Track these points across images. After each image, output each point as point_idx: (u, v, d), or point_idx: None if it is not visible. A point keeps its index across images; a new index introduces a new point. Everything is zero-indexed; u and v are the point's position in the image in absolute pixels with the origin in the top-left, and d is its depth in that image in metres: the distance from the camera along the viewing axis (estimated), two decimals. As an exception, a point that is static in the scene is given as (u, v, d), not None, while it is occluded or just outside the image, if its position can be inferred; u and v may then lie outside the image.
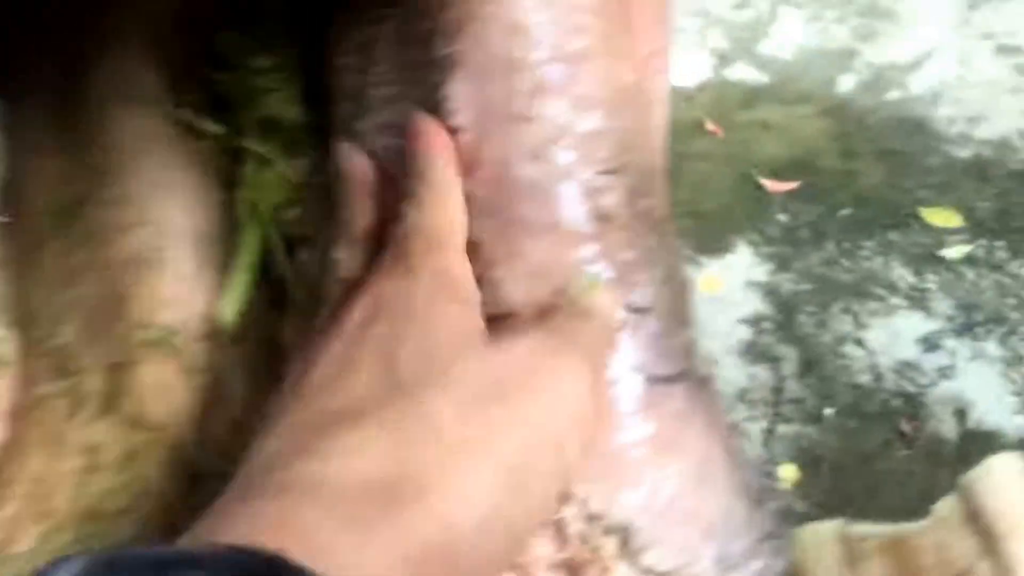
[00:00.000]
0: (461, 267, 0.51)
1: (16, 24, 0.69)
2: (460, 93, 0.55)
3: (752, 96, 2.24)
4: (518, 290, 0.56)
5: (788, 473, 1.79)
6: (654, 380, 0.56)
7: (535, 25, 0.54)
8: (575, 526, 0.56)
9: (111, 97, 0.65)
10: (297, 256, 0.64)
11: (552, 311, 0.51)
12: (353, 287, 0.50)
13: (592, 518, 0.55)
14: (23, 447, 0.57)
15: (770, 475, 1.78)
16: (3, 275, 0.64)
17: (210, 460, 0.59)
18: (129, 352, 0.59)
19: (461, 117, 0.55)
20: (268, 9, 0.69)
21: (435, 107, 0.58)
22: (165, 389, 0.59)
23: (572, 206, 0.55)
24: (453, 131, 0.56)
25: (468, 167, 0.56)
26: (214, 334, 0.61)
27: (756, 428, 1.85)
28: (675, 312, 0.58)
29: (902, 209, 2.09)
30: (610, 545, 0.56)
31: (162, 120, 0.65)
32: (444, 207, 0.52)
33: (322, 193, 0.67)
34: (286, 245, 0.65)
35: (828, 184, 2.13)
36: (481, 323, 0.48)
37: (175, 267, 0.62)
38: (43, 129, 0.66)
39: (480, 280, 0.56)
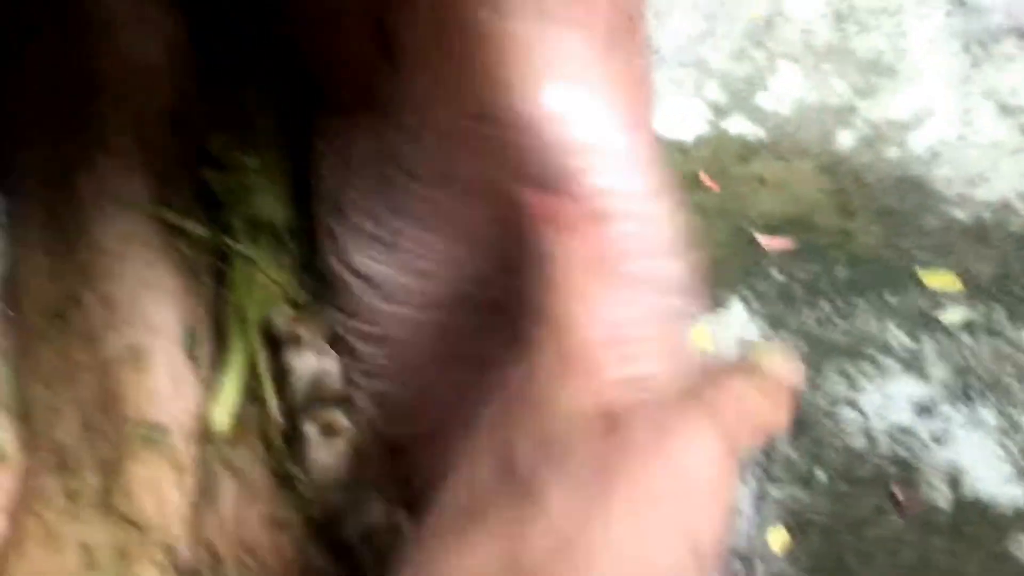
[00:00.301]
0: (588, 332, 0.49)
1: (10, 120, 0.72)
2: (527, 206, 0.58)
3: (749, 150, 2.27)
4: None
5: (778, 537, 1.80)
6: None
7: (588, 137, 0.57)
8: None
9: (99, 197, 0.68)
10: (284, 356, 0.67)
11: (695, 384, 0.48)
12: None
13: None
14: (23, 542, 0.60)
15: (759, 538, 1.79)
16: (4, 367, 0.67)
17: (201, 560, 0.61)
18: (121, 449, 0.62)
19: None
20: (258, 111, 0.73)
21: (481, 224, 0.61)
22: (156, 487, 0.61)
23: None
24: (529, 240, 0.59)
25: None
26: (205, 434, 0.64)
27: (746, 490, 1.86)
28: None
29: (899, 270, 2.12)
30: None
31: (148, 220, 0.69)
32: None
33: (310, 292, 0.71)
34: (274, 344, 0.68)
35: (824, 242, 2.15)
36: (605, 395, 0.46)
37: (164, 365, 0.65)
38: (37, 226, 0.70)
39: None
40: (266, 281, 0.68)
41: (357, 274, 0.68)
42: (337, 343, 0.68)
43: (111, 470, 0.62)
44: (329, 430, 0.64)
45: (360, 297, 0.67)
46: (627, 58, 0.65)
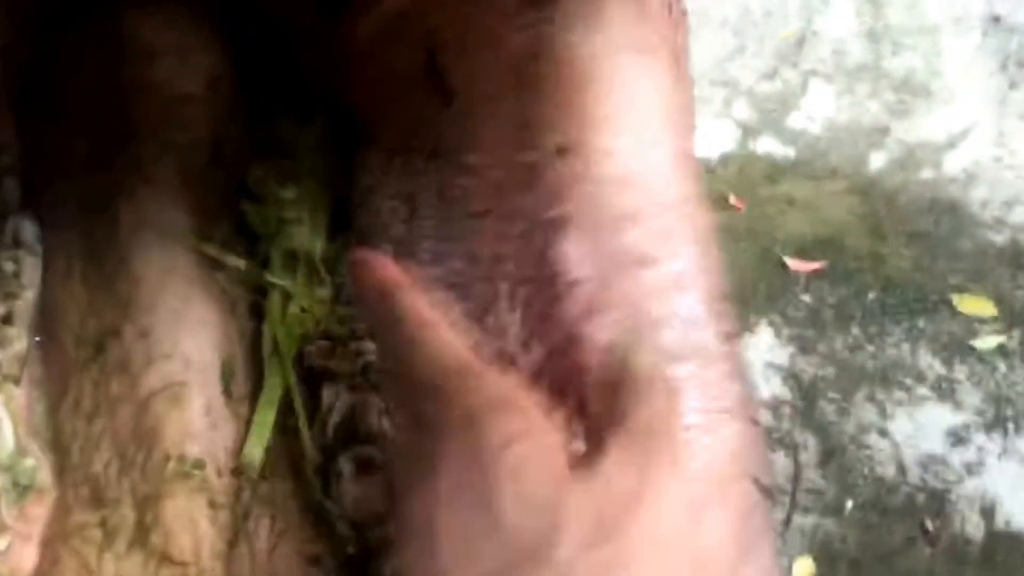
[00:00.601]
0: (524, 399, 0.50)
1: (52, 150, 0.74)
2: (576, 249, 0.58)
3: (778, 171, 2.28)
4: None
5: (804, 567, 1.81)
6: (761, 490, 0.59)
7: (645, 177, 0.58)
8: None
9: (139, 228, 0.70)
10: (320, 391, 0.68)
11: (621, 413, 0.50)
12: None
13: None
14: (59, 574, 0.61)
15: (785, 568, 1.80)
16: (39, 397, 0.68)
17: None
18: (158, 485, 0.63)
19: (582, 271, 0.58)
20: (296, 144, 0.74)
21: (535, 263, 0.61)
22: (191, 523, 0.63)
23: (709, 332, 0.58)
24: (573, 284, 0.59)
25: (589, 312, 0.59)
26: (240, 469, 0.65)
27: (773, 518, 1.86)
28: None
29: (932, 295, 2.12)
30: None
31: (187, 252, 0.70)
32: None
33: (346, 323, 0.72)
34: (309, 378, 0.69)
35: (855, 265, 2.16)
36: (562, 452, 0.48)
37: (200, 401, 0.66)
38: (75, 257, 0.71)
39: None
40: (302, 315, 0.69)
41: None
42: (372, 378, 0.69)
43: (147, 505, 0.63)
44: (364, 465, 0.65)
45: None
46: (686, 82, 0.66)
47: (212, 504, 0.63)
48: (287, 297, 0.70)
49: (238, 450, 0.66)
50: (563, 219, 0.59)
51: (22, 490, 0.64)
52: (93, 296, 0.69)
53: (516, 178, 0.61)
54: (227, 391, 0.67)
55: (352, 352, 0.70)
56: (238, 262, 0.70)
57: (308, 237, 0.71)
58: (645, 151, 0.59)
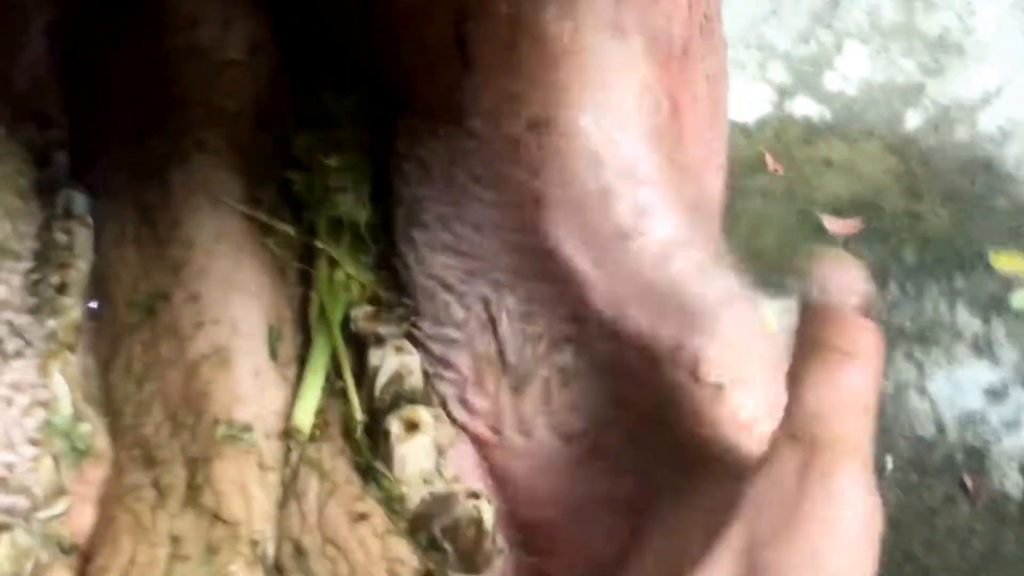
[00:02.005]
0: None
1: (100, 121, 0.74)
2: (560, 227, 0.60)
3: (814, 132, 2.25)
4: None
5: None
6: None
7: (617, 155, 0.58)
8: None
9: (192, 193, 0.70)
10: (368, 355, 0.68)
11: None
12: None
13: None
14: (115, 533, 0.62)
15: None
16: (92, 362, 0.69)
17: (287, 555, 0.63)
18: (208, 448, 0.64)
19: (568, 248, 0.60)
20: (341, 113, 0.74)
21: (520, 230, 0.62)
22: (242, 485, 0.63)
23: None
24: (564, 260, 0.60)
25: (588, 285, 0.59)
26: (288, 432, 0.65)
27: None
28: None
29: (969, 253, 2.10)
30: None
31: (237, 218, 0.70)
32: None
33: (389, 289, 0.72)
34: (355, 342, 0.69)
35: (892, 225, 2.13)
36: None
37: (248, 364, 0.66)
38: (127, 221, 0.72)
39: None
40: (347, 280, 0.69)
41: (433, 277, 0.69)
42: (416, 340, 0.69)
43: (197, 467, 0.63)
44: (411, 426, 0.65)
45: (435, 300, 0.68)
46: (705, 57, 0.66)
47: (261, 466, 0.64)
48: (333, 263, 0.70)
49: (286, 413, 0.66)
50: (542, 194, 0.60)
51: (79, 454, 0.65)
52: (145, 259, 0.70)
53: (503, 149, 0.62)
54: (274, 355, 0.67)
55: (397, 316, 0.70)
56: (287, 228, 0.70)
57: (353, 205, 0.71)
58: (614, 130, 0.59)
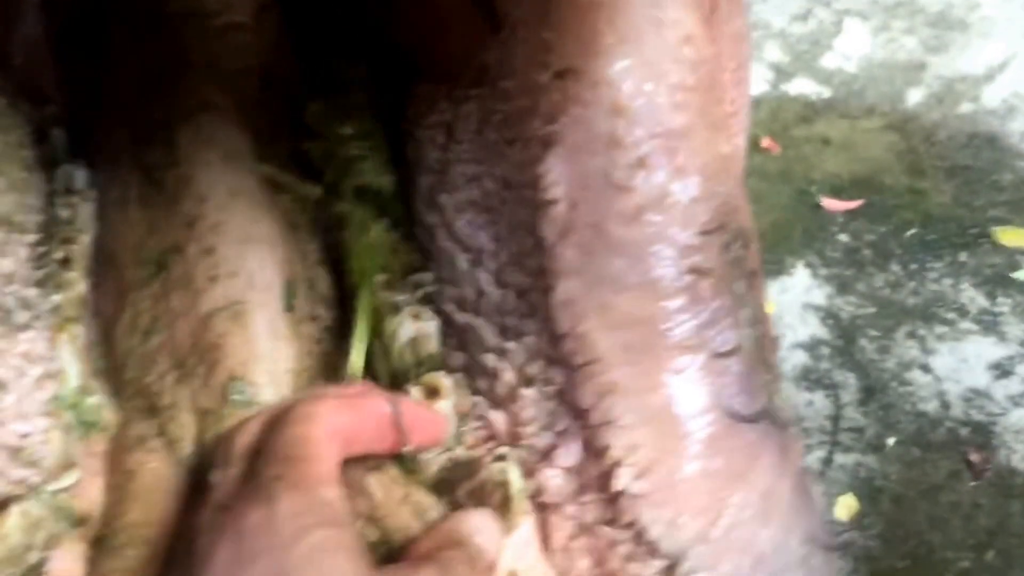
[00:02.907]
0: (330, 487, 0.52)
1: (99, 91, 0.72)
2: (557, 168, 0.59)
3: (812, 111, 2.24)
4: (605, 339, 0.59)
5: (847, 505, 1.79)
6: (731, 416, 0.59)
7: (637, 106, 0.57)
8: (623, 547, 0.60)
9: (200, 151, 0.69)
10: (384, 323, 0.67)
11: (446, 545, 0.54)
12: (222, 514, 0.52)
13: (643, 541, 0.58)
14: (133, 488, 0.61)
15: (828, 507, 1.78)
16: (96, 330, 0.68)
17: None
18: (219, 405, 0.62)
19: (558, 190, 0.59)
20: (351, 79, 0.73)
21: (526, 183, 0.62)
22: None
23: (665, 265, 0.58)
24: (549, 203, 0.59)
25: (561, 233, 0.59)
26: (302, 390, 0.64)
27: (813, 458, 1.85)
28: (759, 355, 0.61)
29: (973, 229, 2.09)
30: (653, 567, 0.59)
31: (249, 174, 0.69)
32: (308, 422, 0.54)
33: (404, 256, 0.71)
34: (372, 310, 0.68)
35: (893, 203, 2.13)
36: (364, 553, 0.50)
37: (263, 318, 0.65)
38: (130, 183, 0.70)
39: (569, 334, 0.59)
40: (378, 245, 0.68)
41: (457, 240, 0.67)
42: (435, 307, 0.68)
43: (208, 420, 0.63)
44: (431, 392, 0.64)
45: (458, 264, 0.67)
46: (731, 16, 0.65)
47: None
48: (363, 227, 0.69)
49: (298, 370, 0.64)
50: (550, 137, 0.59)
51: (87, 427, 0.64)
52: (153, 217, 0.69)
53: (529, 103, 0.60)
54: (289, 309, 0.66)
55: (412, 283, 0.69)
56: (314, 190, 0.69)
57: (375, 173, 0.70)
58: (645, 81, 0.58)
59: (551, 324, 0.60)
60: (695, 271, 0.58)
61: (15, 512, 0.55)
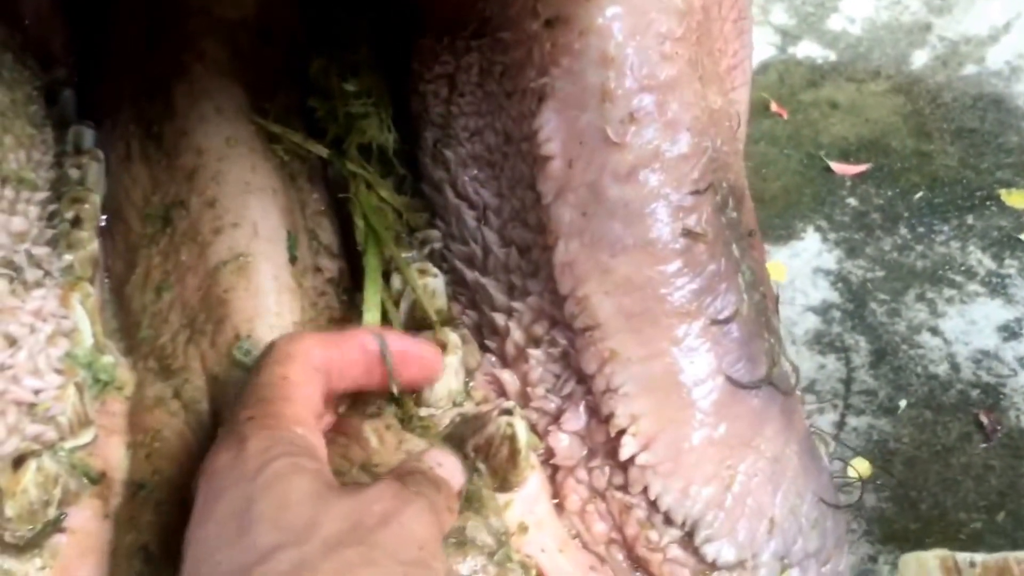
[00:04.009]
0: (302, 425, 0.53)
1: (105, 49, 0.72)
2: (551, 123, 0.59)
3: (819, 74, 2.23)
4: (605, 304, 0.59)
5: (859, 467, 1.79)
6: (734, 384, 0.60)
7: (626, 56, 0.57)
8: (637, 513, 0.60)
9: (196, 104, 0.69)
10: (391, 279, 0.67)
11: (410, 472, 0.55)
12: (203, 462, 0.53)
13: (658, 510, 0.58)
14: (153, 456, 0.61)
15: (840, 470, 1.78)
16: (108, 289, 0.68)
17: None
18: (227, 368, 0.62)
19: (553, 146, 0.59)
20: (354, 36, 0.72)
21: (524, 137, 0.61)
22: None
23: (661, 225, 0.58)
24: (545, 159, 0.59)
25: (558, 192, 0.59)
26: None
27: (825, 421, 1.85)
28: (759, 319, 0.61)
29: (980, 191, 2.08)
30: (671, 534, 0.59)
31: (246, 124, 0.69)
32: (286, 362, 0.54)
33: (410, 213, 0.71)
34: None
35: (901, 166, 2.11)
36: (329, 476, 0.52)
37: (268, 270, 0.66)
38: (133, 138, 0.71)
39: (570, 297, 0.59)
40: (382, 202, 0.68)
41: (463, 197, 0.67)
42: (444, 264, 0.68)
43: (216, 385, 0.62)
44: (440, 347, 0.64)
45: (465, 220, 0.67)
46: None
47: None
48: (369, 185, 0.68)
49: (304, 323, 0.65)
50: (544, 90, 0.59)
51: (102, 386, 0.64)
52: (155, 172, 0.69)
53: (524, 54, 0.60)
54: (293, 260, 0.66)
55: (418, 240, 0.69)
56: (311, 144, 0.69)
57: (379, 130, 0.70)
58: (633, 31, 0.57)
59: (554, 285, 0.60)
60: (689, 234, 0.58)
61: (31, 468, 0.55)
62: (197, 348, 0.64)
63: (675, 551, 0.59)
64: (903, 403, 1.84)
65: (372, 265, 0.66)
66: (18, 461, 0.55)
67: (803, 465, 0.61)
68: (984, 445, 1.80)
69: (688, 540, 0.59)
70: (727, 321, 0.59)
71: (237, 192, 0.66)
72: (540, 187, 0.60)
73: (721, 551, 0.58)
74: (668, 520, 0.59)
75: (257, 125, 0.69)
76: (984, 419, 1.82)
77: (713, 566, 0.59)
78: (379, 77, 0.72)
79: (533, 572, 0.59)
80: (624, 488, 0.60)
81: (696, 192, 0.58)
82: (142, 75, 0.71)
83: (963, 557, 0.76)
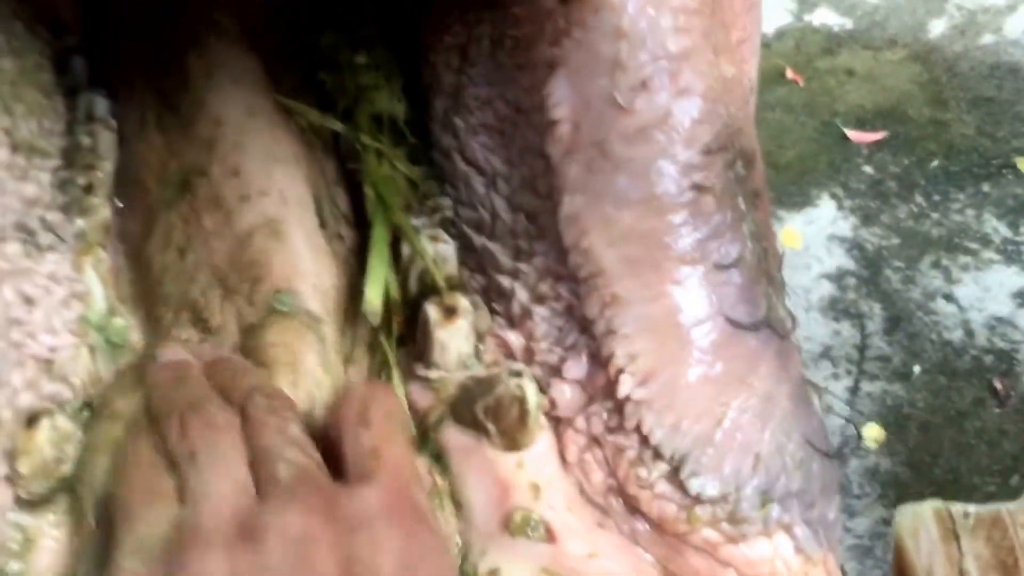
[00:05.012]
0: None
1: (116, 16, 0.72)
2: (561, 89, 0.58)
3: (835, 42, 2.20)
4: (608, 253, 0.59)
5: (873, 432, 1.79)
6: (733, 324, 0.59)
7: (639, 30, 0.56)
8: (630, 453, 0.60)
9: (212, 75, 0.68)
10: (402, 246, 0.66)
11: None
12: None
13: (648, 446, 0.58)
14: None
15: (853, 434, 1.78)
16: (123, 253, 0.68)
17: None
18: (265, 318, 0.62)
19: (561, 111, 0.58)
20: (364, 9, 0.72)
21: (534, 105, 0.61)
22: (292, 359, 0.62)
23: (668, 181, 0.58)
24: (553, 123, 0.59)
25: (565, 152, 0.59)
26: (363, 314, 0.64)
27: (840, 386, 1.84)
28: (761, 267, 0.60)
29: (996, 159, 2.06)
30: (659, 469, 0.59)
31: (264, 95, 0.68)
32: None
33: (422, 181, 0.71)
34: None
35: (917, 134, 2.09)
36: None
37: (301, 233, 0.65)
38: (148, 107, 0.70)
39: (574, 248, 0.59)
40: (394, 171, 0.68)
41: (472, 163, 0.67)
42: (453, 231, 0.68)
43: (250, 335, 0.62)
44: (450, 311, 0.62)
45: (474, 187, 0.67)
46: None
47: (318, 338, 0.63)
48: (380, 155, 0.68)
49: (338, 287, 0.64)
50: (555, 60, 0.58)
51: (115, 348, 0.64)
52: (171, 141, 0.68)
53: (537, 29, 0.60)
54: (323, 225, 0.66)
55: (430, 207, 0.68)
56: (322, 116, 0.69)
57: (389, 101, 0.69)
58: (643, 6, 0.57)
59: (559, 242, 0.60)
60: (697, 188, 0.57)
61: (46, 426, 0.56)
62: (232, 305, 0.64)
63: (662, 486, 0.59)
64: (917, 369, 1.83)
65: (380, 236, 0.65)
66: (32, 419, 0.56)
67: (793, 407, 0.61)
68: (998, 410, 1.79)
69: (674, 475, 0.59)
70: (730, 266, 0.59)
71: (261, 161, 0.66)
72: (548, 150, 0.59)
73: (705, 486, 0.58)
74: (657, 455, 0.59)
75: (272, 96, 0.69)
76: (998, 384, 1.82)
77: (697, 500, 0.58)
78: (388, 51, 0.71)
79: (542, 529, 0.60)
80: (617, 430, 0.60)
81: (707, 152, 0.58)
82: (156, 44, 0.71)
83: (957, 508, 0.77)
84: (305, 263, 0.63)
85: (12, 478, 0.56)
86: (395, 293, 0.65)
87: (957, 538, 0.76)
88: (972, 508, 0.78)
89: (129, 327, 0.65)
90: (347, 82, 0.70)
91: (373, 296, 0.63)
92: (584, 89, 0.58)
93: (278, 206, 0.65)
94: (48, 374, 0.59)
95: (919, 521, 0.78)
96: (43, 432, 0.55)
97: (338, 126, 0.70)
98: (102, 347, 0.62)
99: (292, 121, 0.68)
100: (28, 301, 0.58)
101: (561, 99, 0.58)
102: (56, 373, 0.59)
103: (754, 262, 0.60)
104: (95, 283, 0.63)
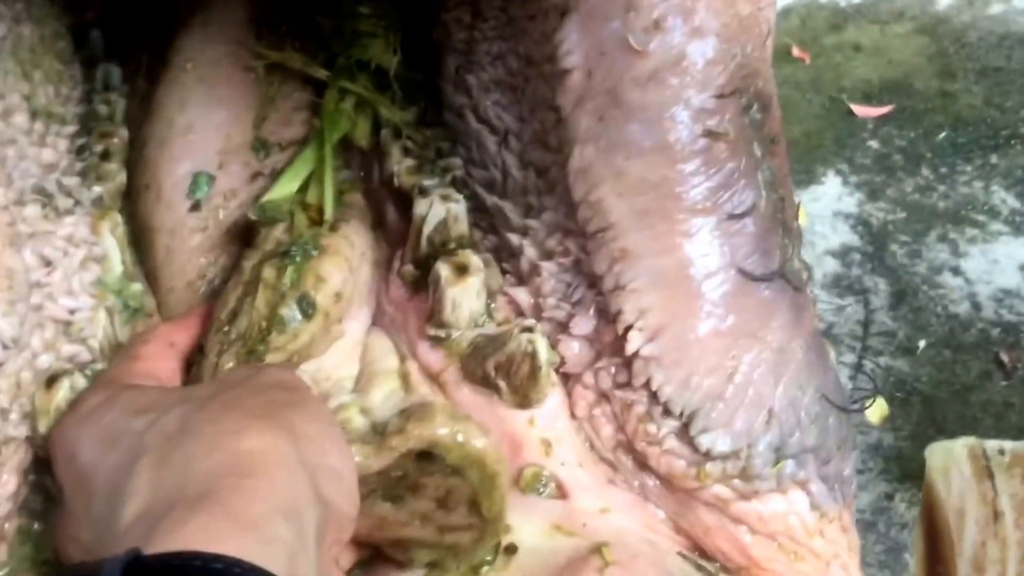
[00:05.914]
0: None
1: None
2: (573, 36, 0.58)
3: (842, 17, 2.20)
4: (618, 205, 0.59)
5: (877, 408, 1.79)
6: (746, 276, 0.59)
7: None
8: (639, 408, 0.61)
9: (203, 27, 0.72)
10: (414, 204, 0.67)
11: None
12: None
13: (658, 402, 0.59)
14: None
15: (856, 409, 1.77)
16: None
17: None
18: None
19: (573, 59, 0.58)
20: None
21: (546, 57, 0.61)
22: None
23: (680, 128, 0.57)
24: (565, 72, 0.59)
25: (576, 102, 0.59)
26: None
27: (845, 362, 1.84)
28: (776, 216, 0.60)
29: (1004, 130, 2.05)
30: (668, 425, 0.59)
31: (236, 44, 0.72)
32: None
33: (432, 142, 0.71)
34: (400, 196, 0.69)
35: (924, 107, 2.09)
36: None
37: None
38: (142, 52, 0.74)
39: (584, 201, 0.59)
40: (355, 110, 0.70)
41: (484, 121, 0.67)
42: (465, 191, 0.68)
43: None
44: (461, 270, 0.62)
45: (486, 145, 0.67)
46: None
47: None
48: (343, 95, 0.71)
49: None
50: (567, 4, 0.58)
51: (132, 312, 0.65)
52: (152, 89, 0.73)
53: None
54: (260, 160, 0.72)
55: (440, 168, 0.69)
56: (321, 72, 0.71)
57: (383, 50, 0.70)
58: None
59: (568, 196, 0.60)
60: (710, 134, 0.57)
61: (65, 386, 0.57)
62: None
63: (671, 442, 0.59)
64: (922, 343, 1.83)
65: (302, 158, 0.70)
66: (51, 380, 0.57)
67: (807, 360, 0.60)
68: (1004, 383, 1.79)
69: (684, 431, 0.59)
70: (743, 216, 0.58)
71: (212, 110, 0.72)
72: (559, 100, 0.59)
73: (716, 442, 0.58)
74: (667, 411, 0.59)
75: (245, 46, 0.72)
76: (1004, 357, 1.81)
77: (707, 456, 0.58)
78: (393, 5, 0.72)
79: (552, 485, 0.60)
80: (626, 385, 0.60)
81: (720, 96, 0.58)
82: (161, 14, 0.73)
83: (992, 444, 0.75)
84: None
85: (33, 439, 0.58)
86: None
87: (991, 476, 0.75)
88: (1008, 444, 0.77)
89: (145, 291, 0.66)
90: (344, 26, 0.71)
91: (273, 198, 0.68)
92: (596, 34, 0.57)
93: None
94: (67, 336, 0.60)
95: (951, 459, 0.77)
96: (62, 392, 0.56)
97: (320, 72, 0.72)
98: (119, 309, 0.64)
99: (253, 69, 0.72)
100: (47, 263, 0.60)
101: (573, 46, 0.58)
102: (75, 335, 0.60)
103: (769, 211, 0.59)
104: (112, 246, 0.65)
